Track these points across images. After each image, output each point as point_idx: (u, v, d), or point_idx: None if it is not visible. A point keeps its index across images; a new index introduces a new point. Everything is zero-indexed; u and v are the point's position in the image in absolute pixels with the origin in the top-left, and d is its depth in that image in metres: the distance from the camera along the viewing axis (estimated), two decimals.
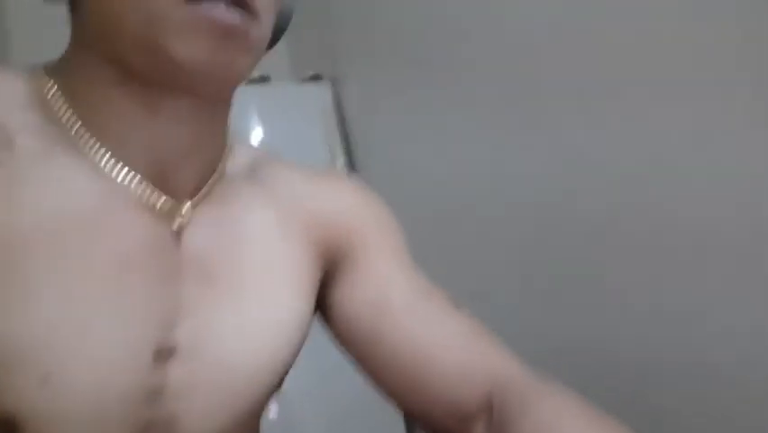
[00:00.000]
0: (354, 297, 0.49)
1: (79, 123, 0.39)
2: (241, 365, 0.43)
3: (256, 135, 1.50)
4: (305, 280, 0.48)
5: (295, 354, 0.47)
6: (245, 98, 1.46)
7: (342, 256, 0.51)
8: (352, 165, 1.63)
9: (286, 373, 0.47)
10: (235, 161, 0.48)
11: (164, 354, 0.39)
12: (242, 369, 0.43)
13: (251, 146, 0.54)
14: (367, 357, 0.49)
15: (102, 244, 0.38)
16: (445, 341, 0.48)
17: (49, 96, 0.40)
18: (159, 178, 0.41)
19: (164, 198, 0.41)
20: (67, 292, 0.36)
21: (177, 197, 0.42)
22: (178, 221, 0.41)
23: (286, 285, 0.46)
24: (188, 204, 0.42)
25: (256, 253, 0.45)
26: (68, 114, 0.39)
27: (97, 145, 0.39)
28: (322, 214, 0.51)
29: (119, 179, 0.39)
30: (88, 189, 0.38)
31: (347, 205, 0.53)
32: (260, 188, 0.48)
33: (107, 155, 0.39)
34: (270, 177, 0.50)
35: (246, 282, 0.44)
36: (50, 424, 0.35)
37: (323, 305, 0.51)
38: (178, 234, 0.42)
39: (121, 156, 0.39)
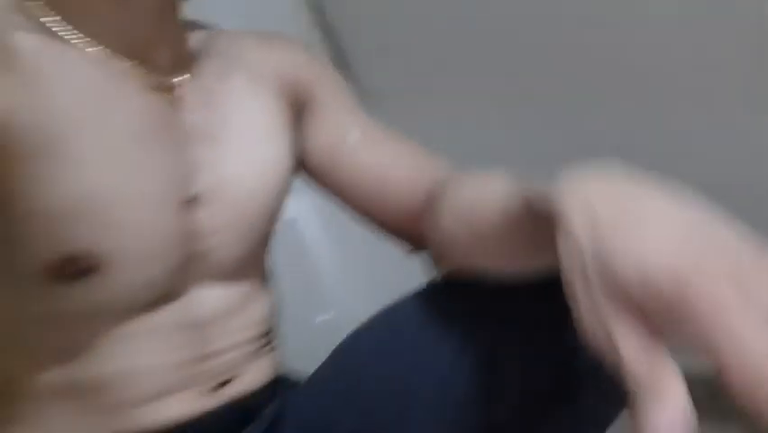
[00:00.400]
0: (317, 136, 0.59)
1: (62, 21, 0.45)
2: (249, 200, 0.52)
3: None
4: (280, 124, 0.57)
5: (288, 183, 0.58)
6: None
7: (303, 104, 0.59)
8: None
9: (283, 200, 0.58)
10: (194, 39, 0.55)
11: (190, 202, 0.48)
12: (251, 203, 0.53)
13: (196, 23, 0.59)
14: (333, 185, 0.60)
15: (119, 120, 0.46)
16: (395, 160, 0.58)
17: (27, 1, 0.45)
18: (143, 61, 0.48)
19: (155, 76, 0.48)
20: (107, 159, 0.44)
21: (164, 75, 0.49)
22: (172, 94, 0.50)
23: (268, 130, 0.56)
24: (180, 77, 0.50)
25: (239, 111, 0.54)
26: (50, 14, 0.45)
27: (82, 36, 0.45)
28: (281, 68, 0.58)
29: (112, 64, 0.46)
30: (93, 75, 0.45)
31: (299, 60, 0.61)
32: (224, 57, 0.55)
33: (95, 44, 0.46)
34: (227, 45, 0.57)
35: (238, 134, 0.53)
36: (113, 259, 0.44)
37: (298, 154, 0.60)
38: (176, 105, 0.50)
39: (106, 44, 0.46)
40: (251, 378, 0.54)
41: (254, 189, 0.53)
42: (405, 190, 0.57)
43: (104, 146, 0.44)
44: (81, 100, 0.44)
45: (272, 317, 0.59)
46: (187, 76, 0.51)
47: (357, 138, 0.59)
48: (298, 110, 0.59)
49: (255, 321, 0.55)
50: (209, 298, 0.51)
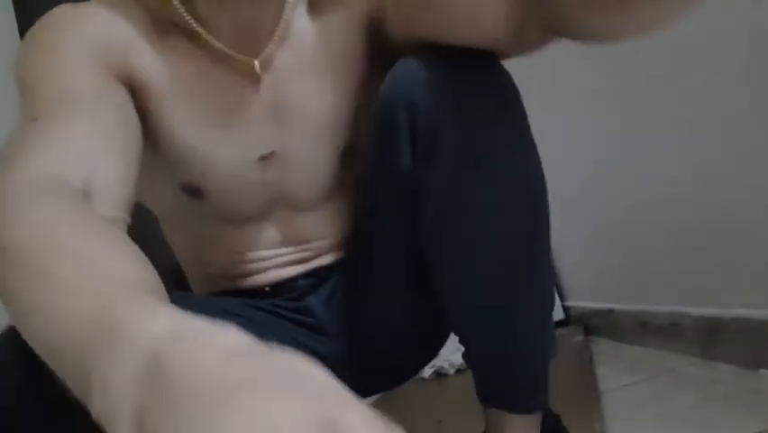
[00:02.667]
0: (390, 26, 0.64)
1: (192, 19, 0.60)
2: (310, 162, 0.68)
3: None
4: (353, 79, 0.68)
5: (347, 145, 0.69)
6: None
7: (379, 21, 0.65)
8: None
9: (347, 153, 0.70)
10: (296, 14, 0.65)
11: (264, 160, 0.65)
12: (312, 163, 0.68)
13: None
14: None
15: (212, 95, 0.62)
16: None
17: (174, 4, 0.61)
18: (240, 46, 0.61)
19: (245, 58, 0.62)
20: (202, 124, 0.62)
21: (253, 56, 0.62)
22: (255, 74, 0.63)
23: (332, 93, 0.67)
24: (257, 63, 0.62)
25: (310, 77, 0.66)
26: (185, 14, 0.60)
27: (199, 27, 0.60)
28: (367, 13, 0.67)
29: (215, 48, 0.61)
30: (198, 59, 0.62)
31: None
32: (314, 21, 0.67)
33: (206, 35, 0.60)
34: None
35: (301, 113, 0.66)
36: (212, 191, 0.65)
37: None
38: (258, 83, 0.64)
39: (215, 34, 0.61)
40: (329, 259, 0.73)
41: (314, 153, 0.68)
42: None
43: (202, 114, 0.62)
44: (186, 76, 0.62)
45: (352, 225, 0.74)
46: (269, 56, 0.64)
47: None
48: (377, 29, 0.66)
49: (333, 230, 0.73)
50: (294, 219, 0.70)
